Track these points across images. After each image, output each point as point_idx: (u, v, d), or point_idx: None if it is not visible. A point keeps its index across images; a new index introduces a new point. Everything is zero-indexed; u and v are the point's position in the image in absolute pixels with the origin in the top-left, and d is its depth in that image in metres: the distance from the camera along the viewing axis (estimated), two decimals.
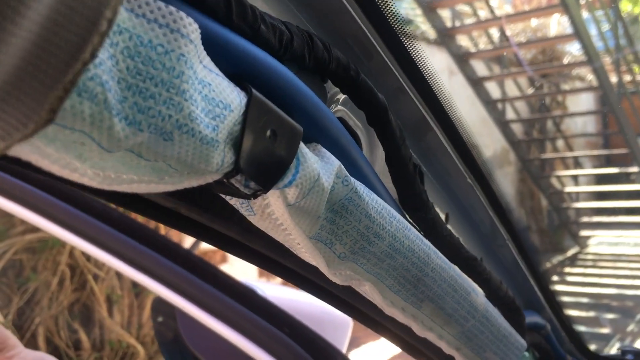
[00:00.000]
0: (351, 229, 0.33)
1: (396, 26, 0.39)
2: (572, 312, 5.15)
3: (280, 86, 0.27)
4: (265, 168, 0.26)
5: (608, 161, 10.75)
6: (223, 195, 0.29)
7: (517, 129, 7.93)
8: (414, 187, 0.41)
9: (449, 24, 6.67)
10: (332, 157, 0.31)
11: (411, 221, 0.42)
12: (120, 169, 0.21)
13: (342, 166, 0.31)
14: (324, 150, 0.31)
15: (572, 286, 6.49)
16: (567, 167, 8.62)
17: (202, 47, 0.23)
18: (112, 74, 0.19)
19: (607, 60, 7.40)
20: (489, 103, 7.12)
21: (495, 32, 7.48)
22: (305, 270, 0.37)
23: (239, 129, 0.25)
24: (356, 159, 0.35)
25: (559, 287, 6.46)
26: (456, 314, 0.45)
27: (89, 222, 0.90)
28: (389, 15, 0.37)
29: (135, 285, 3.87)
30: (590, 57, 6.33)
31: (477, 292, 0.47)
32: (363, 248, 0.34)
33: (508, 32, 7.74)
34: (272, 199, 0.28)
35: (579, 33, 6.10)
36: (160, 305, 1.23)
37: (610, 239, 8.33)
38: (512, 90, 7.69)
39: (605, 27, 7.46)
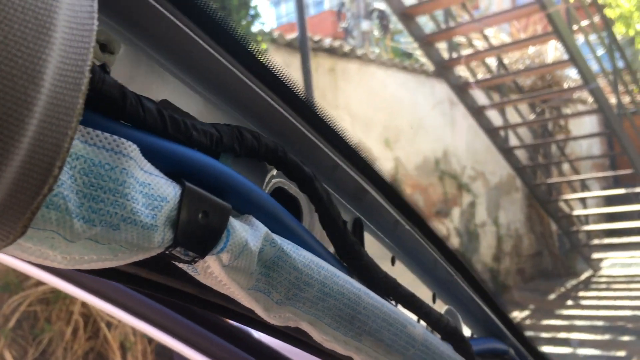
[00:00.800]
0: (283, 279, 0.41)
1: (323, 116, 0.47)
2: (586, 336, 5.12)
3: (211, 175, 0.36)
4: (199, 240, 0.35)
5: (616, 182, 10.75)
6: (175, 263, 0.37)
7: (521, 155, 7.99)
8: (345, 239, 0.49)
9: (446, 56, 6.83)
10: (260, 225, 0.39)
11: (346, 267, 0.50)
12: (83, 252, 0.29)
13: (269, 231, 0.40)
14: (254, 219, 0.39)
15: (587, 310, 6.45)
16: (574, 190, 8.63)
17: (141, 158, 0.32)
18: (71, 188, 0.28)
19: (604, 82, 7.51)
20: (491, 131, 7.22)
21: (493, 61, 7.62)
22: (252, 314, 0.45)
23: (175, 214, 0.33)
24: (287, 223, 0.43)
25: (573, 312, 6.42)
26: (395, 345, 0.52)
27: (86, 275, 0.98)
28: (316, 108, 0.46)
29: None
30: (587, 81, 6.43)
31: (415, 325, 0.54)
32: (296, 295, 0.42)
33: (506, 61, 7.89)
34: (210, 262, 0.37)
35: (574, 58, 6.22)
36: (163, 349, 1.31)
37: (624, 260, 8.28)
38: (513, 117, 7.79)
39: (601, 50, 7.59)
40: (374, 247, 0.58)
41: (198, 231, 0.34)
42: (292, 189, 0.48)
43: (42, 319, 3.49)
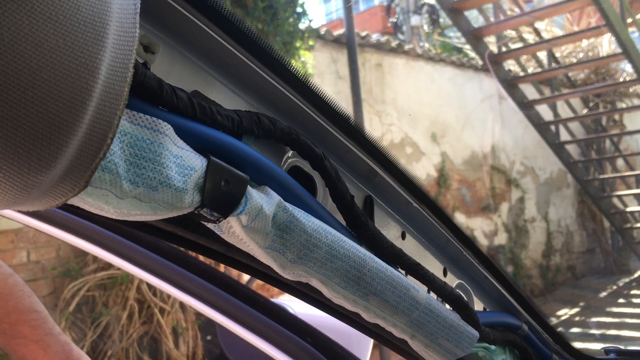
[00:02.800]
0: (295, 241, 0.49)
1: (336, 107, 0.55)
2: (637, 334, 5.00)
3: (232, 151, 0.44)
4: (222, 203, 0.43)
5: None
6: (204, 222, 0.45)
7: (572, 150, 7.83)
8: (352, 211, 0.56)
9: (495, 49, 6.75)
10: (274, 194, 0.47)
11: (355, 237, 0.58)
12: (130, 208, 0.38)
13: (282, 200, 0.48)
14: (269, 189, 0.47)
15: (639, 308, 6.28)
16: (628, 187, 8.37)
17: (175, 135, 0.40)
18: (120, 157, 0.36)
19: None
20: (541, 125, 7.10)
21: (544, 55, 7.48)
22: (269, 270, 0.53)
23: (202, 181, 0.41)
24: (299, 194, 0.51)
25: (624, 310, 6.26)
26: (400, 306, 0.59)
27: (142, 253, 1.09)
28: (327, 98, 0.54)
29: (199, 317, 4.10)
30: None
31: (418, 289, 0.61)
32: (307, 255, 0.50)
33: (557, 54, 7.73)
34: (232, 222, 0.45)
35: (627, 51, 6.05)
36: (208, 326, 1.41)
37: None
38: (565, 112, 7.63)
39: None
40: (386, 224, 0.65)
41: (221, 196, 0.43)
42: (307, 167, 0.56)
43: (99, 303, 3.70)
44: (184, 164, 0.40)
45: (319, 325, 1.17)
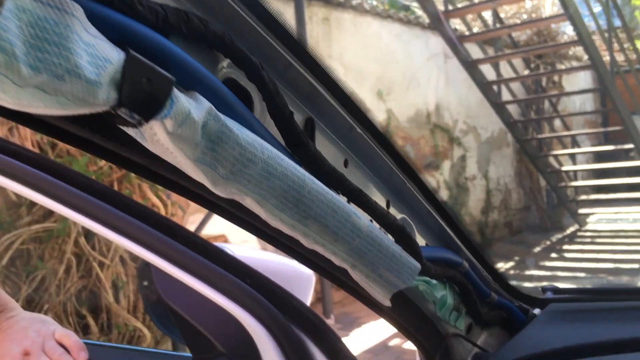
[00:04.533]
0: (228, 155, 0.45)
1: (275, 15, 0.50)
2: (567, 286, 5.26)
3: (156, 48, 0.39)
4: (144, 104, 0.38)
5: (606, 139, 10.80)
6: (123, 128, 0.41)
7: (513, 110, 8.02)
8: (291, 128, 0.52)
9: (442, 8, 6.75)
10: (204, 100, 0.43)
11: (294, 157, 0.54)
12: (32, 100, 0.33)
13: (213, 107, 0.43)
14: (198, 95, 0.43)
15: (570, 262, 6.60)
16: (564, 147, 8.69)
17: (86, 20, 0.35)
18: (18, 36, 0.31)
19: (600, 40, 7.46)
20: (484, 85, 7.21)
21: (488, 15, 7.55)
22: (198, 188, 0.49)
23: (119, 77, 0.37)
24: (233, 105, 0.47)
25: (556, 264, 6.57)
26: (341, 232, 0.57)
27: (71, 192, 1.02)
28: (266, 4, 0.49)
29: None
30: (582, 37, 6.40)
31: (360, 216, 0.59)
32: (240, 170, 0.46)
33: (502, 15, 7.81)
34: (156, 128, 0.40)
35: (570, 13, 6.18)
36: (144, 271, 1.36)
37: (609, 215, 8.42)
38: (507, 72, 7.77)
39: (597, 7, 7.52)
40: (328, 150, 0.62)
41: (142, 95, 0.38)
42: (243, 79, 0.51)
43: (35, 257, 3.57)
44: (97, 54, 0.35)
45: (259, 268, 1.14)
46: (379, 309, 0.77)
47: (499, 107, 7.49)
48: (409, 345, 4.02)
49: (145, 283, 1.37)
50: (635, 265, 6.04)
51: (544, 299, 1.05)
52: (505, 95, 7.78)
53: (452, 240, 0.86)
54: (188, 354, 1.14)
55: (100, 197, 1.09)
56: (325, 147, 0.62)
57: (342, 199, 0.57)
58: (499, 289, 1.00)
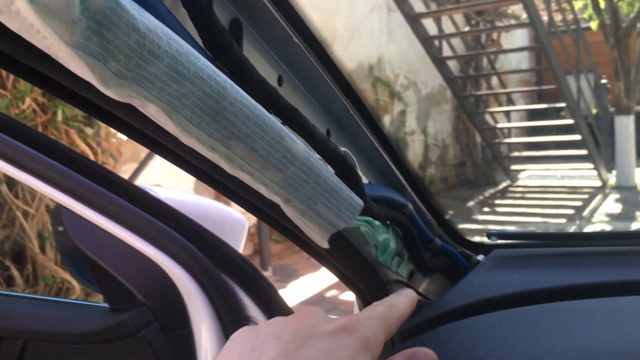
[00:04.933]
0: (122, 43, 0.34)
1: None
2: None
3: None
4: None
5: (540, 98, 11.13)
6: None
7: (453, 66, 8.06)
8: (212, 24, 0.42)
9: None
10: None
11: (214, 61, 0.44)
12: None
13: None
14: None
15: (501, 216, 6.81)
16: (500, 104, 8.86)
17: None
18: None
19: None
20: (425, 40, 7.18)
21: None
22: (84, 89, 0.38)
23: None
24: None
25: (488, 217, 6.77)
26: (272, 158, 0.48)
27: None
28: None
29: None
30: None
31: (295, 140, 0.50)
32: (140, 67, 0.36)
33: None
34: None
35: None
36: (58, 215, 1.23)
37: (539, 172, 8.73)
38: (449, 28, 7.76)
39: None
40: (258, 63, 0.52)
41: None
42: None
43: None
44: None
45: (187, 212, 1.04)
46: (315, 252, 0.69)
47: (440, 63, 7.51)
48: (346, 296, 4.02)
49: (61, 228, 1.24)
50: (562, 220, 6.29)
51: (488, 245, 1.01)
52: (446, 51, 7.79)
53: (397, 179, 0.79)
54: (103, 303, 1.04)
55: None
56: (255, 58, 0.52)
57: (274, 119, 0.48)
58: (442, 234, 0.95)
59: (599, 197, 7.21)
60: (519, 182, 8.59)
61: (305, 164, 0.51)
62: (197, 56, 0.39)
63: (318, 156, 0.56)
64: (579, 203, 7.02)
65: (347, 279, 0.77)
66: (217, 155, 0.45)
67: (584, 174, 8.19)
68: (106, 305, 1.01)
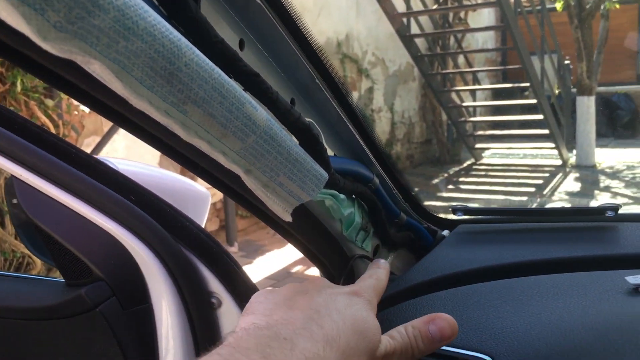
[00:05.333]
0: None
1: None
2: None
3: None
4: None
5: (505, 77, 11.26)
6: None
7: (421, 44, 8.06)
8: None
9: None
10: None
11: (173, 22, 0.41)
12: None
13: None
14: None
15: (465, 193, 6.92)
16: (466, 83, 8.93)
17: None
18: None
19: None
20: (394, 17, 7.15)
21: None
22: (18, 44, 0.35)
23: None
24: None
25: (452, 195, 6.86)
26: (231, 125, 0.45)
27: None
28: None
29: None
30: None
31: (256, 107, 0.47)
32: (83, 19, 0.33)
33: None
34: None
35: None
36: (12, 187, 1.18)
37: (502, 150, 8.86)
38: (417, 5, 7.74)
39: None
40: (218, 24, 0.49)
41: None
42: None
43: None
44: None
45: (147, 184, 1.00)
46: (278, 227, 0.67)
47: (408, 40, 7.50)
48: (312, 272, 4.03)
49: (15, 201, 1.19)
50: (524, 197, 6.42)
51: (454, 220, 1.00)
52: (414, 29, 7.78)
53: (364, 152, 0.77)
54: (59, 278, 1.00)
55: None
56: (214, 19, 0.49)
57: (235, 84, 0.45)
58: (408, 209, 0.94)
59: (559, 176, 7.37)
60: (483, 161, 8.71)
61: (267, 133, 0.49)
62: (147, 10, 0.36)
63: (281, 125, 0.53)
64: (540, 181, 7.17)
65: (312, 254, 0.76)
66: (171, 121, 0.42)
67: (546, 153, 8.36)
68: (61, 280, 0.97)
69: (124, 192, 0.92)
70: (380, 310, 0.79)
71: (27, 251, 3.71)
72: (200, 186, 1.18)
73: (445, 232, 0.98)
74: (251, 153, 0.49)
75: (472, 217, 0.99)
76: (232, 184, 0.58)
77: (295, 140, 0.56)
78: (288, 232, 0.68)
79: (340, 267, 0.79)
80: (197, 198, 1.14)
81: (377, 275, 0.60)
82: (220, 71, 0.43)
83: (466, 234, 0.95)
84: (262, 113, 0.48)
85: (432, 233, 0.97)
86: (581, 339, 0.57)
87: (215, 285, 0.94)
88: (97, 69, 0.35)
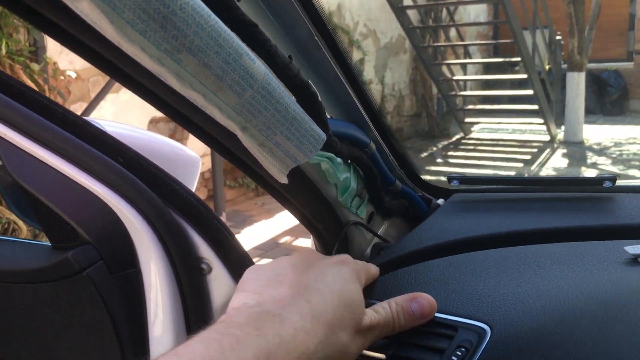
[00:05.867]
0: None
1: None
2: None
3: None
4: None
5: (496, 52, 11.20)
6: None
7: (413, 16, 7.98)
8: None
9: None
10: None
11: None
12: None
13: None
14: None
15: (453, 167, 6.93)
16: (457, 57, 8.87)
17: None
18: None
19: None
20: None
21: None
22: None
23: None
24: None
25: (441, 169, 6.87)
26: (227, 78, 0.43)
27: None
28: None
29: None
30: None
31: (254, 59, 0.45)
32: None
33: None
34: None
35: None
36: None
37: (491, 125, 8.87)
38: None
39: None
40: None
41: None
42: None
43: None
44: None
45: (136, 148, 0.97)
46: (273, 190, 0.65)
47: (400, 12, 7.41)
48: (300, 242, 4.03)
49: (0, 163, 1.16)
50: (512, 172, 6.45)
51: (448, 189, 0.99)
52: (407, 1, 7.69)
53: (361, 116, 0.75)
54: (44, 241, 0.98)
55: None
56: None
57: (232, 34, 0.43)
58: (403, 176, 0.92)
59: (547, 152, 7.40)
60: (472, 135, 8.71)
61: (265, 88, 0.47)
62: None
63: (279, 81, 0.51)
64: (528, 157, 7.20)
65: (306, 220, 0.74)
66: (165, 70, 0.40)
67: (534, 129, 8.37)
68: (47, 244, 0.95)
69: (112, 153, 0.89)
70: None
71: (12, 217, 3.66)
72: (190, 150, 1.15)
73: (440, 201, 0.96)
74: (248, 109, 0.47)
75: (467, 186, 0.98)
76: (226, 143, 0.56)
77: (293, 97, 0.53)
78: (283, 196, 0.66)
79: (334, 233, 0.77)
80: (187, 162, 1.11)
81: (367, 265, 0.62)
82: (217, 18, 0.40)
83: (461, 203, 0.94)
84: (259, 66, 0.46)
85: (426, 202, 0.96)
86: (581, 307, 0.56)
87: (205, 250, 0.92)
88: (86, 8, 0.33)
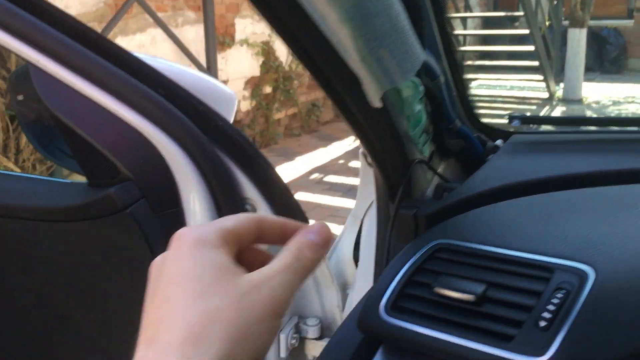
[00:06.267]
0: None
1: None
2: None
3: None
4: None
5: (495, 6, 11.01)
6: None
7: None
8: None
9: None
10: None
11: None
12: None
13: None
14: None
15: None
16: (457, 10, 8.71)
17: None
18: None
19: None
20: None
21: None
22: None
23: None
24: None
25: None
26: None
27: None
28: None
29: (9, 107, 3.51)
30: None
31: None
32: None
33: None
34: None
35: None
36: (19, 81, 1.08)
37: (489, 82, 8.78)
38: None
39: None
40: None
41: None
42: None
43: None
44: None
45: (175, 78, 0.90)
46: (353, 118, 0.59)
47: None
48: (330, 178, 4.00)
49: (20, 97, 1.09)
50: (511, 129, 6.40)
51: (504, 131, 0.94)
52: None
53: (435, 44, 0.69)
54: (78, 180, 0.92)
55: None
56: None
57: None
58: (463, 116, 0.87)
59: (546, 109, 7.36)
60: (470, 92, 8.62)
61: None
62: None
63: None
64: (527, 114, 7.14)
65: (376, 153, 0.69)
66: None
67: (533, 86, 8.29)
68: (82, 182, 0.90)
69: (153, 85, 0.83)
70: (442, 219, 0.73)
71: (9, 164, 3.58)
72: (225, 86, 1.09)
73: (499, 142, 0.92)
74: (360, 12, 0.41)
75: (524, 128, 0.93)
76: (318, 59, 0.50)
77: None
78: (360, 125, 0.61)
79: (400, 171, 0.73)
80: (223, 98, 1.05)
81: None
82: None
83: (522, 144, 0.89)
84: None
85: (482, 143, 0.91)
86: None
87: (250, 190, 0.87)
88: None
